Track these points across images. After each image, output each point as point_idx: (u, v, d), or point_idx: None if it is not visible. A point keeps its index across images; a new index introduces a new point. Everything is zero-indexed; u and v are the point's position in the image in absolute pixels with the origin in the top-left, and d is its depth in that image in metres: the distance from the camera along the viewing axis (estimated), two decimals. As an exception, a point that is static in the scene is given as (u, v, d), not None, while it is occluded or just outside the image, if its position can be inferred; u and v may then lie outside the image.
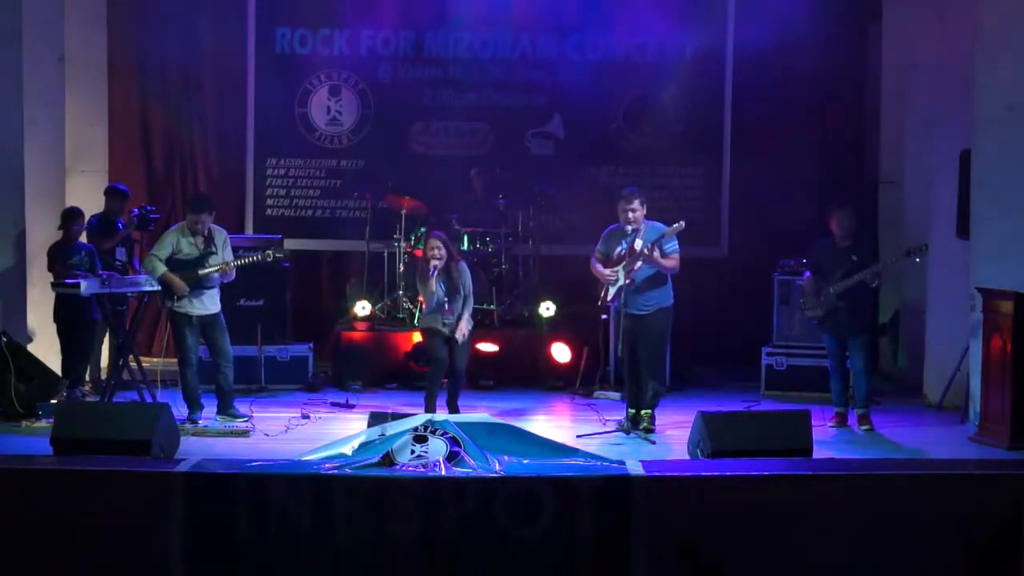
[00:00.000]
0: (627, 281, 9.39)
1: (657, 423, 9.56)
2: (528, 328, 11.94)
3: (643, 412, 9.53)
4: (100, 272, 10.31)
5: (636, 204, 9.44)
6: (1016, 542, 7.05)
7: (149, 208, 11.06)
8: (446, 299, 9.81)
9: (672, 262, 9.43)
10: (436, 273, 9.78)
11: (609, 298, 9.61)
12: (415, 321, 11.70)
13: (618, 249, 9.52)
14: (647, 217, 9.55)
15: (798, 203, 12.33)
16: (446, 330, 9.80)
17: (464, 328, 9.84)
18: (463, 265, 10.03)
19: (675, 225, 9.34)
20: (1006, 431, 8.93)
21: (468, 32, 12.98)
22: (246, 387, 10.84)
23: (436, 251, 9.82)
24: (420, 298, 10.33)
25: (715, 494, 7.07)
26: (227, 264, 9.79)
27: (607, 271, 9.53)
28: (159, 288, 9.78)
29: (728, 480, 7.14)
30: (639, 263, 9.36)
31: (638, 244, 9.38)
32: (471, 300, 10.03)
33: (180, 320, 9.73)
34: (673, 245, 9.43)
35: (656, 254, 9.32)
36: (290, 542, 6.99)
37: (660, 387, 9.73)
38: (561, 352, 11.64)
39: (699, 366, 12.09)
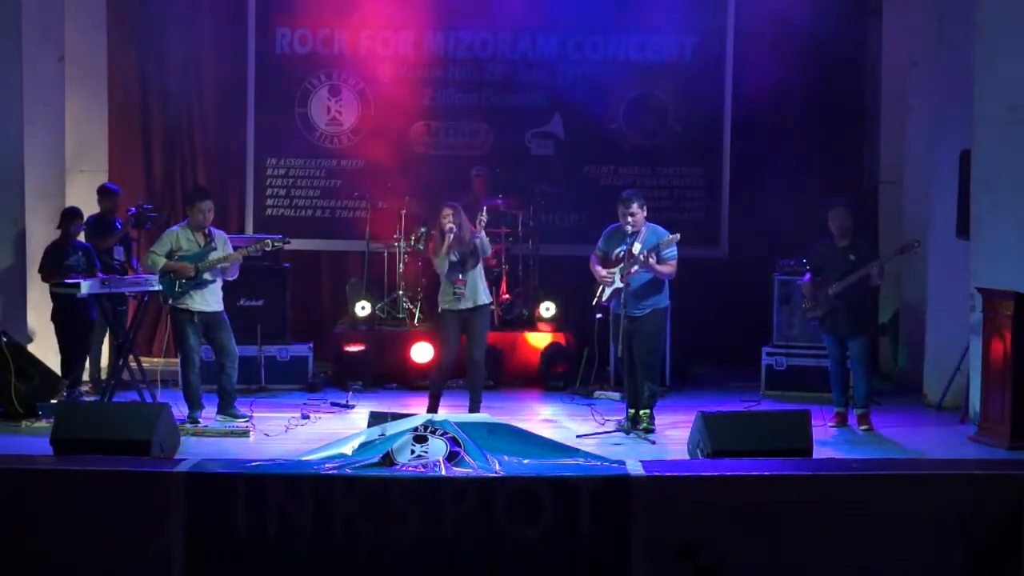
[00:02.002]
0: (623, 284, 9.41)
1: (657, 423, 9.57)
2: (528, 328, 11.94)
3: (641, 412, 9.55)
4: (99, 272, 10.31)
5: (635, 207, 9.46)
6: (1016, 542, 7.05)
7: (147, 207, 11.06)
8: (460, 269, 9.67)
9: (669, 268, 9.44)
10: (452, 240, 9.61)
11: (604, 299, 9.61)
12: (415, 322, 11.72)
13: (617, 250, 9.54)
14: (647, 219, 9.57)
15: (798, 203, 12.32)
16: (459, 301, 9.64)
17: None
18: (479, 236, 9.74)
19: (671, 236, 9.36)
20: (1006, 431, 8.93)
21: (468, 32, 12.98)
22: (246, 387, 10.84)
23: (447, 220, 9.67)
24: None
25: (715, 494, 7.06)
26: (229, 256, 9.77)
27: (604, 272, 9.54)
28: (159, 288, 9.78)
29: (728, 480, 7.14)
30: (635, 267, 9.37)
31: (636, 248, 9.40)
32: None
33: (182, 318, 9.73)
34: (672, 251, 9.44)
35: (653, 260, 9.33)
36: (290, 542, 6.98)
37: (656, 387, 9.74)
38: (560, 352, 11.64)
39: (699, 366, 12.10)
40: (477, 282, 9.74)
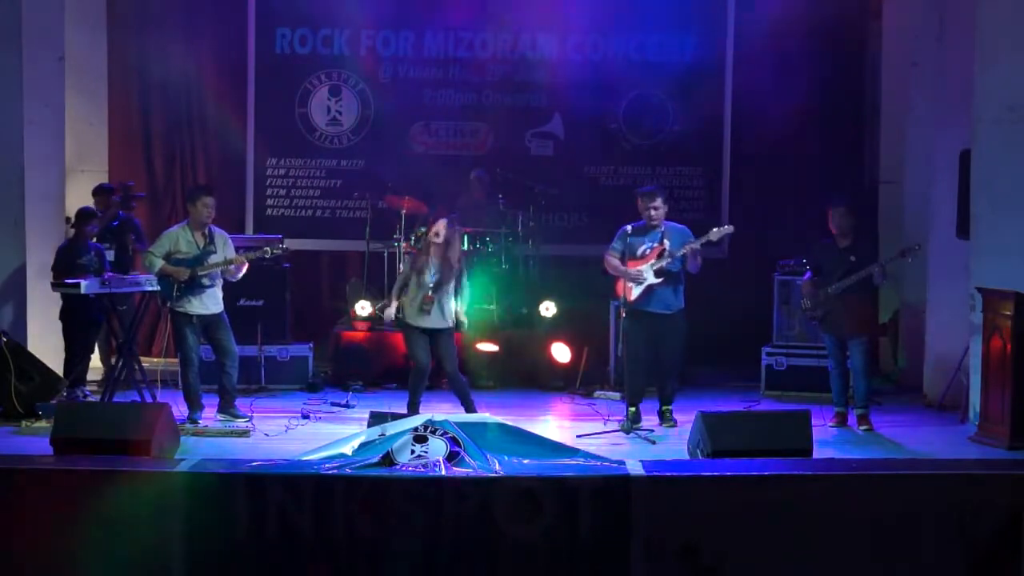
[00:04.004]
0: (659, 280, 9.42)
1: (657, 422, 9.64)
2: (528, 328, 11.94)
3: (664, 409, 9.72)
4: (105, 273, 10.35)
5: (659, 202, 9.51)
6: (1016, 542, 7.05)
7: (129, 183, 11.13)
8: (431, 286, 9.54)
9: (700, 259, 9.57)
10: (432, 253, 9.56)
11: (633, 297, 9.58)
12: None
13: (643, 248, 9.54)
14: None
15: (798, 203, 12.33)
16: (423, 318, 9.51)
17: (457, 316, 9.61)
18: (462, 269, 9.74)
19: (725, 227, 9.49)
20: (1006, 431, 8.92)
21: (468, 32, 12.99)
22: (246, 387, 10.83)
23: (436, 235, 9.62)
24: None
25: (715, 494, 7.07)
26: (231, 260, 9.75)
27: (632, 270, 9.52)
28: (159, 288, 9.78)
29: (728, 480, 7.14)
30: (666, 262, 9.39)
31: (667, 244, 9.42)
32: (466, 292, 9.77)
33: (181, 320, 9.72)
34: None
35: (697, 247, 9.45)
36: (290, 542, 6.98)
37: (676, 384, 9.95)
38: (561, 352, 11.64)
39: (699, 366, 12.07)
40: (444, 306, 9.57)
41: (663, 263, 9.44)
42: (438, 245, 9.61)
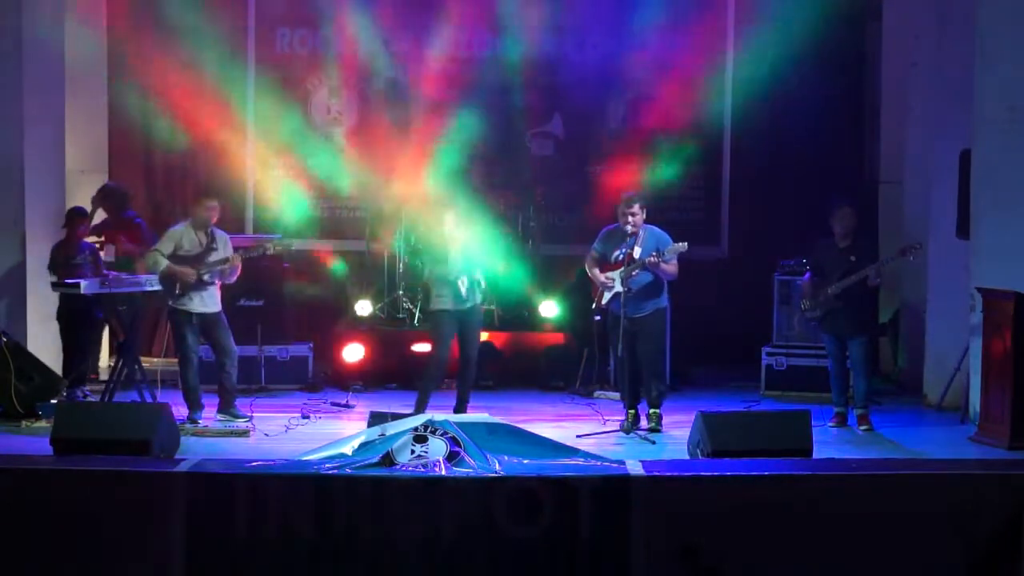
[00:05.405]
0: (625, 289, 9.38)
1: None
2: (528, 328, 11.93)
3: (651, 412, 9.61)
4: (104, 272, 10.36)
5: (636, 208, 9.46)
6: (1016, 542, 7.05)
7: (111, 185, 11.18)
8: (463, 272, 9.66)
9: (674, 268, 9.46)
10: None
11: (603, 302, 9.60)
12: (415, 322, 11.70)
13: (616, 253, 9.52)
14: (646, 221, 9.56)
15: (798, 203, 12.32)
16: (458, 301, 9.63)
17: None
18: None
19: (678, 245, 9.31)
20: (1006, 431, 8.92)
21: (468, 32, 12.99)
22: (246, 387, 10.83)
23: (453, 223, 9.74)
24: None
25: (715, 494, 7.07)
26: (229, 259, 9.75)
27: (603, 277, 9.52)
28: (159, 288, 9.78)
29: (728, 480, 7.14)
30: (636, 271, 9.37)
31: (637, 252, 9.39)
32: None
33: (180, 319, 9.72)
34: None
35: (658, 260, 9.31)
36: (290, 542, 6.98)
37: (663, 386, 9.83)
38: (559, 352, 11.64)
39: (699, 366, 12.09)
40: (474, 282, 9.73)
41: (634, 271, 9.40)
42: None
